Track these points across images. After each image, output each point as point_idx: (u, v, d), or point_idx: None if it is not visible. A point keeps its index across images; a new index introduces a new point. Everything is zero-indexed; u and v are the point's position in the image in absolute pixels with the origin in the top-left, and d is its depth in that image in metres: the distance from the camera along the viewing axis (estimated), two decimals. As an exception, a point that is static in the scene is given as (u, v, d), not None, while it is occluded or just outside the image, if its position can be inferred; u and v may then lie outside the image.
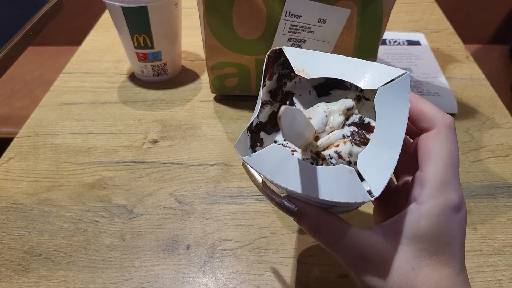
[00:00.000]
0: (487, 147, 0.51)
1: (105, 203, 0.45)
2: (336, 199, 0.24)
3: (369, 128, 0.27)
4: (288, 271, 0.39)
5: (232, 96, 0.60)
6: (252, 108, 0.58)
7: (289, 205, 0.28)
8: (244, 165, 0.30)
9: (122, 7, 0.53)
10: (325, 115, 0.27)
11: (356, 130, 0.27)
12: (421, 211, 0.25)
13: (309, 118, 0.28)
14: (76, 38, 1.02)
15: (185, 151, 0.52)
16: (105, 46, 0.72)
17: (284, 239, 0.42)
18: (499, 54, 1.24)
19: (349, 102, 0.28)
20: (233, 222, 0.43)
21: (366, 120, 0.28)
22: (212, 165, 0.50)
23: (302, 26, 0.48)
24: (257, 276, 0.39)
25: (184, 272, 0.39)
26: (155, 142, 0.53)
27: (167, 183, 0.48)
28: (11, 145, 0.53)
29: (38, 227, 0.43)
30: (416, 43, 0.70)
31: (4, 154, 0.52)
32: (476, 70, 0.64)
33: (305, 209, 0.28)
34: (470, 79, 0.63)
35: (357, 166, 0.25)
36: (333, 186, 0.24)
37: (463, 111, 0.57)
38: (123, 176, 0.48)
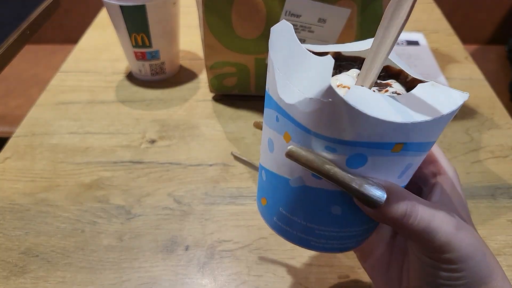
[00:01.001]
0: (486, 147, 0.51)
1: (103, 204, 0.45)
2: (447, 110, 0.21)
3: (387, 84, 0.26)
4: (288, 272, 0.39)
5: (231, 95, 0.59)
6: (251, 108, 0.57)
7: (375, 185, 0.22)
8: (292, 151, 0.22)
9: (121, 6, 0.53)
10: (354, 79, 0.26)
11: (379, 88, 0.26)
12: (453, 177, 0.27)
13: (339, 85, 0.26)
14: (71, 36, 1.01)
15: (183, 151, 0.51)
16: (102, 45, 0.72)
17: (284, 240, 0.41)
18: (497, 54, 1.24)
19: (355, 70, 0.27)
20: (233, 223, 0.43)
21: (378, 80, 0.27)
22: (211, 165, 0.49)
23: (302, 26, 0.48)
24: (257, 277, 0.38)
25: (183, 273, 0.39)
26: (153, 142, 0.53)
27: (166, 183, 0.47)
28: (7, 144, 0.52)
29: (35, 227, 0.43)
30: (415, 43, 0.70)
31: (1, 153, 0.51)
32: (476, 70, 0.64)
33: (394, 187, 0.23)
34: (470, 79, 0.63)
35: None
36: (432, 102, 0.22)
37: (463, 112, 0.56)
38: (121, 176, 0.48)
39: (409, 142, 0.22)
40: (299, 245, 0.27)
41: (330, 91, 0.20)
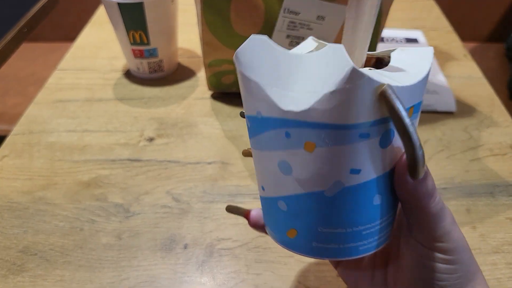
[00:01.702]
0: (485, 145, 0.51)
1: (101, 202, 0.45)
2: (428, 64, 0.23)
3: None
4: (287, 270, 0.39)
5: (229, 93, 0.59)
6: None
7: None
8: (387, 88, 0.20)
9: (118, 3, 0.53)
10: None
11: None
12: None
13: None
14: (69, 34, 1.01)
15: (181, 149, 0.51)
16: (100, 43, 0.72)
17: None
18: (496, 52, 1.24)
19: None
20: (231, 221, 0.43)
21: None
22: (209, 163, 0.49)
23: (300, 23, 0.48)
24: (255, 275, 0.38)
25: (181, 272, 0.39)
26: (151, 140, 0.52)
27: (164, 181, 0.47)
28: (5, 142, 0.52)
29: (33, 225, 0.43)
30: (414, 41, 0.70)
31: (-2, 151, 0.51)
32: (475, 68, 0.64)
33: None
34: (469, 77, 0.62)
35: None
36: (413, 63, 0.23)
37: (462, 110, 0.56)
38: (119, 174, 0.48)
39: (415, 104, 0.23)
40: (348, 257, 0.25)
41: (355, 73, 0.19)
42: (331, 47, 0.20)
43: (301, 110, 0.21)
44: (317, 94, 0.20)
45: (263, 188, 0.26)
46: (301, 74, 0.21)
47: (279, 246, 0.41)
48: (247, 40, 0.22)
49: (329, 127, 0.21)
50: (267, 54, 0.22)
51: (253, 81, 0.22)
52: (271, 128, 0.23)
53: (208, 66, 0.55)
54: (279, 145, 0.23)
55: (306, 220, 0.24)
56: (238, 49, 0.23)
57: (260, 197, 0.27)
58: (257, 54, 0.22)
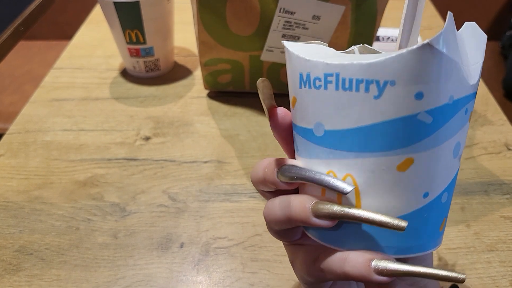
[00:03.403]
0: (479, 144, 0.52)
1: (97, 201, 0.45)
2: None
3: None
4: (282, 269, 0.39)
5: (225, 92, 0.59)
6: (246, 104, 0.57)
7: None
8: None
9: (114, 2, 0.53)
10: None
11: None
12: None
13: None
14: (65, 32, 1.01)
15: (178, 148, 0.51)
16: (96, 41, 0.71)
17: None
18: (491, 51, 1.25)
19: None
20: (227, 220, 0.43)
21: None
22: (206, 162, 0.49)
23: (296, 23, 0.48)
24: (251, 274, 0.39)
25: (178, 271, 0.39)
26: (147, 139, 0.52)
27: (160, 180, 0.47)
28: (1, 142, 0.52)
29: (29, 225, 0.43)
30: (409, 39, 0.70)
31: (-6, 151, 0.51)
32: (469, 67, 0.65)
33: None
34: (463, 76, 0.63)
35: None
36: None
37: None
38: (115, 173, 0.48)
39: None
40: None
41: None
42: (468, 24, 0.22)
43: (475, 82, 0.21)
44: (478, 65, 0.22)
45: (426, 195, 0.21)
46: (465, 48, 0.22)
47: (274, 245, 0.41)
48: (449, 19, 0.19)
49: (475, 96, 0.22)
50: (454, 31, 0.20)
51: (455, 61, 0.20)
52: (458, 110, 0.21)
53: (204, 65, 0.55)
54: (459, 125, 0.21)
55: (451, 200, 0.23)
56: (444, 28, 0.19)
57: (412, 213, 0.21)
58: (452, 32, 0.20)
